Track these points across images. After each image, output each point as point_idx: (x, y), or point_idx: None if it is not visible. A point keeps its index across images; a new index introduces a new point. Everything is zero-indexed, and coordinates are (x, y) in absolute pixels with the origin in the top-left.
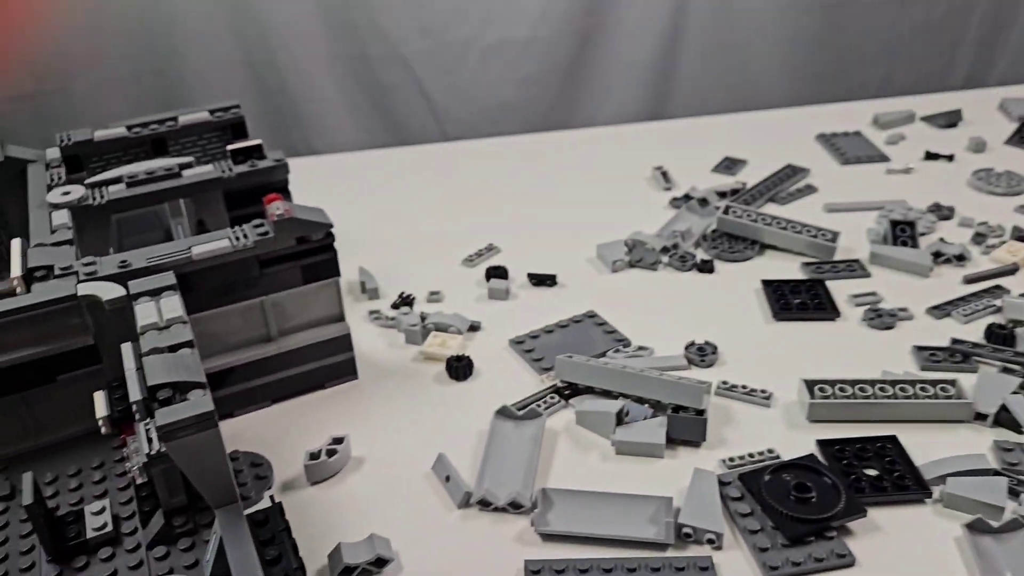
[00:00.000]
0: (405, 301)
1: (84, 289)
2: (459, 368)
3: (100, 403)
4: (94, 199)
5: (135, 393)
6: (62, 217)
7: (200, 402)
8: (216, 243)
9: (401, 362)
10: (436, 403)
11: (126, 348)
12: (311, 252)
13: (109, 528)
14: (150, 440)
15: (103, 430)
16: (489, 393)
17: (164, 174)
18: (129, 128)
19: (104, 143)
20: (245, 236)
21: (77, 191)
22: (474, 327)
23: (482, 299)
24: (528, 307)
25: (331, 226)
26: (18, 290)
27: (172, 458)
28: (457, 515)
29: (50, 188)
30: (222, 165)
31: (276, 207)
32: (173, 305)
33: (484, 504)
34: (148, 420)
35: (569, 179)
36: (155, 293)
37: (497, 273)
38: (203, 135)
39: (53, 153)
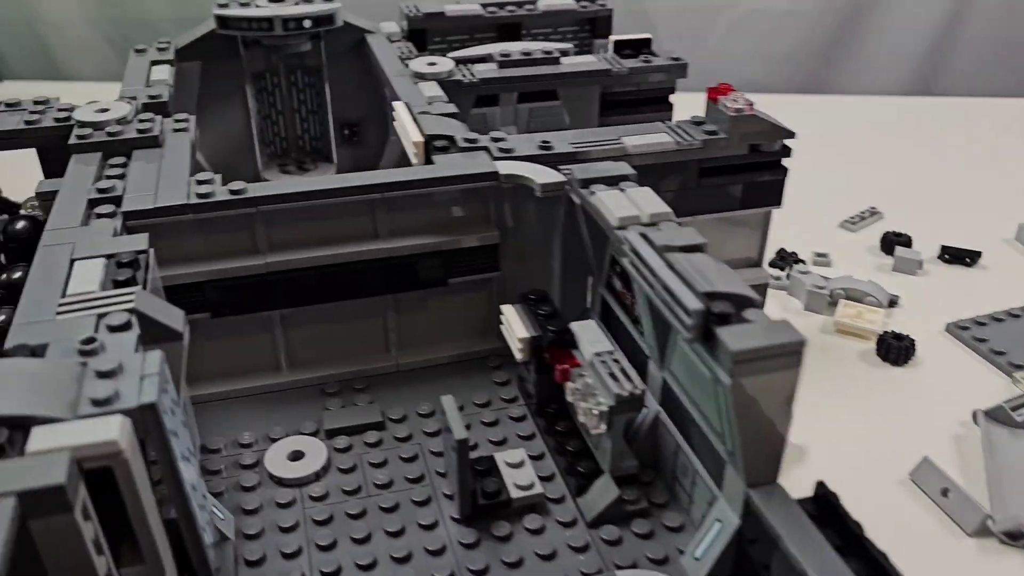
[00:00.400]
0: (789, 259)
1: (507, 168)
2: (899, 350)
3: (516, 320)
4: (464, 76)
5: (674, 301)
6: (433, 89)
7: (780, 328)
8: (655, 136)
9: (808, 332)
10: (872, 389)
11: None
12: (759, 167)
13: (537, 489)
14: (615, 377)
15: (519, 355)
16: (936, 385)
17: (543, 57)
18: (484, 7)
19: (455, 20)
20: (688, 133)
21: (444, 64)
22: (893, 302)
23: (882, 269)
24: (949, 286)
25: (793, 134)
26: (415, 159)
27: (736, 402)
28: (970, 545)
29: (403, 60)
30: (607, 57)
31: (732, 99)
32: (650, 198)
33: (1014, 536)
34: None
35: (953, 149)
36: (611, 182)
37: (900, 241)
38: (560, 26)
39: (389, 27)
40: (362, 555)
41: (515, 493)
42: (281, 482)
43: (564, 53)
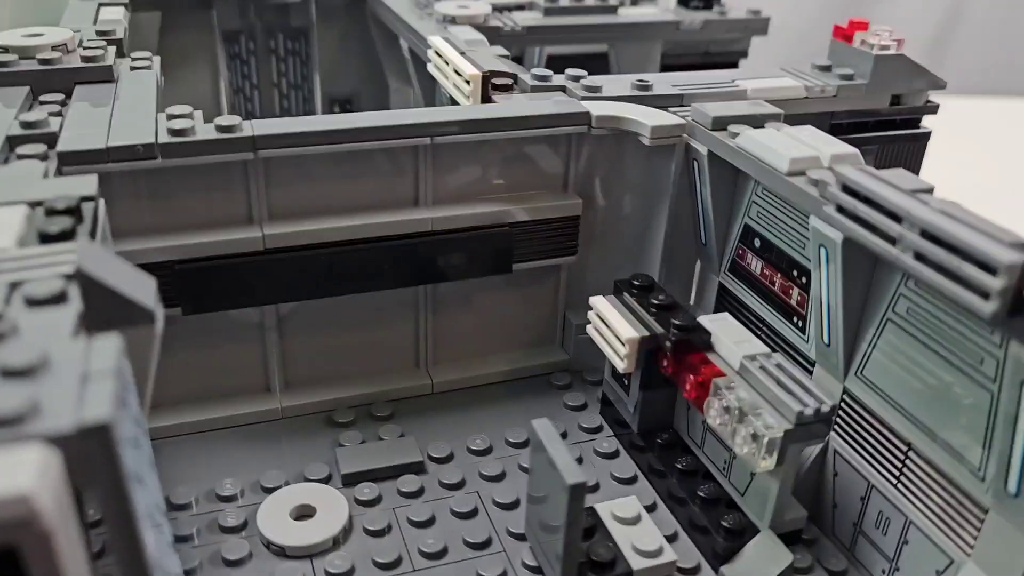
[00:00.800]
0: None
1: (601, 109)
2: None
3: (615, 315)
4: (504, 24)
5: (956, 255)
6: (469, 33)
7: None
8: (779, 81)
9: None
10: None
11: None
12: (898, 126)
13: (668, 556)
14: (788, 390)
15: (622, 364)
16: None
17: (597, 5)
18: None
19: None
20: (817, 79)
21: (480, 6)
22: None
23: None
24: None
25: (944, 84)
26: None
27: None
28: None
29: (422, 7)
30: (672, 9)
31: (875, 33)
32: (820, 137)
33: None
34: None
35: None
36: (755, 123)
37: None
38: None
39: None
40: None
41: (637, 562)
42: (283, 552)
43: (621, 2)
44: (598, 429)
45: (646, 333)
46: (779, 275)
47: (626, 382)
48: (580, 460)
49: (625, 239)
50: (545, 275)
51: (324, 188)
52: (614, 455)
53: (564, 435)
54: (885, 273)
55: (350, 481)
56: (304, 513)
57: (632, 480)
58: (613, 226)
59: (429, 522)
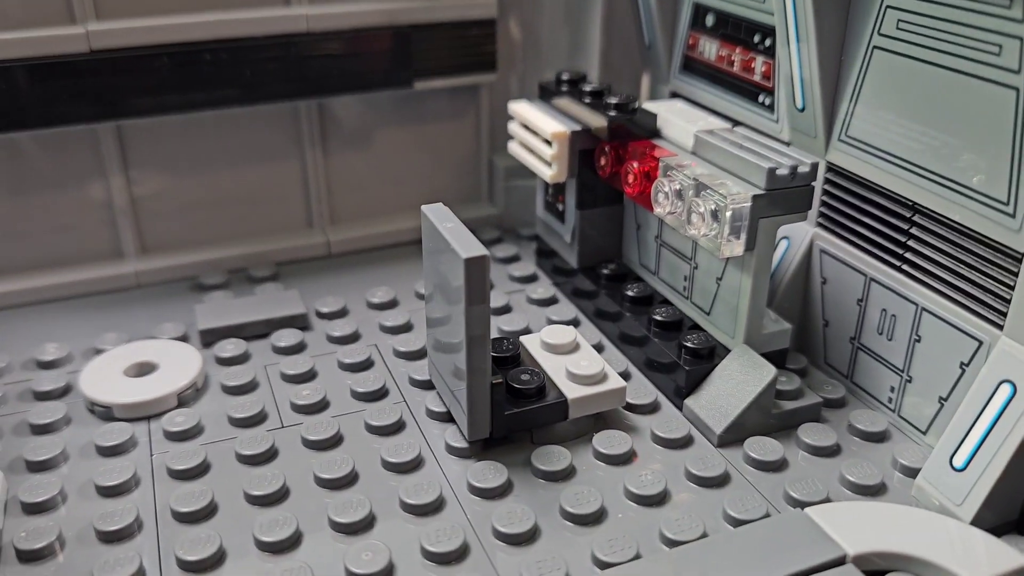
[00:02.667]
0: None
1: None
2: None
3: (537, 114)
4: None
5: None
6: None
7: None
8: None
9: None
10: None
11: None
12: None
13: (614, 383)
14: (755, 152)
15: (549, 173)
16: None
17: None
18: None
19: None
20: None
21: None
22: None
23: None
24: None
25: None
26: None
27: None
28: None
29: None
30: None
31: None
32: None
33: None
34: None
35: None
36: None
37: None
38: None
39: None
40: (274, 528)
41: (572, 390)
42: (110, 414)
43: None
44: (531, 278)
45: (576, 127)
46: (739, 49)
47: (560, 207)
48: (508, 308)
49: (554, 49)
50: (461, 106)
51: None
52: (551, 301)
53: (491, 287)
54: None
55: (209, 339)
56: (143, 372)
57: (573, 324)
58: (537, 33)
59: (307, 376)
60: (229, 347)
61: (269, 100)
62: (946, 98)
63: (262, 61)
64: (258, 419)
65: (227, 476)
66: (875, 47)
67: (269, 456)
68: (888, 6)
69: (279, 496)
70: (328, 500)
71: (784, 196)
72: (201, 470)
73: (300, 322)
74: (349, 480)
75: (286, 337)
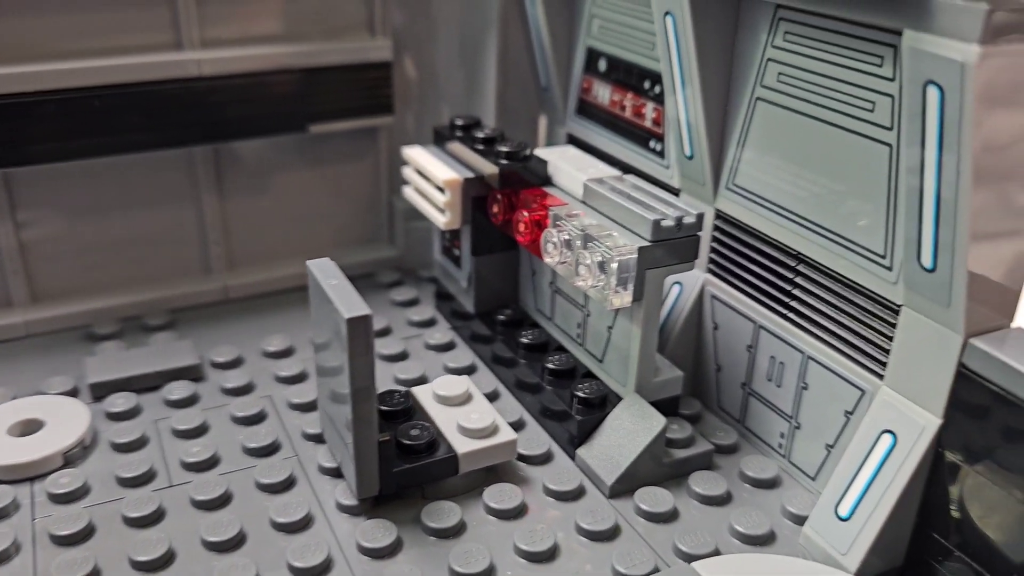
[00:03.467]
0: None
1: None
2: None
3: (431, 160)
4: None
5: None
6: None
7: None
8: None
9: None
10: None
11: None
12: None
13: (505, 435)
14: (642, 203)
15: (442, 219)
16: None
17: None
18: None
19: None
20: None
21: None
22: None
23: None
24: None
25: None
26: None
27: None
28: None
29: None
30: None
31: None
32: None
33: None
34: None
35: None
36: None
37: None
38: None
39: None
40: None
41: (463, 444)
42: None
43: None
44: (430, 322)
45: (469, 174)
46: (629, 95)
47: (457, 252)
48: (405, 355)
49: (450, 91)
50: (360, 148)
51: (54, 23)
52: (448, 347)
53: (387, 331)
54: (747, 32)
55: (99, 393)
56: (28, 430)
57: (470, 370)
58: (434, 75)
59: (198, 431)
60: (119, 401)
61: (162, 147)
62: (825, 151)
63: (155, 106)
64: (146, 478)
65: (111, 540)
66: (758, 98)
67: (155, 518)
68: (769, 59)
69: (163, 561)
70: (215, 563)
71: (670, 247)
72: (84, 535)
73: (193, 373)
74: (236, 542)
75: (178, 390)
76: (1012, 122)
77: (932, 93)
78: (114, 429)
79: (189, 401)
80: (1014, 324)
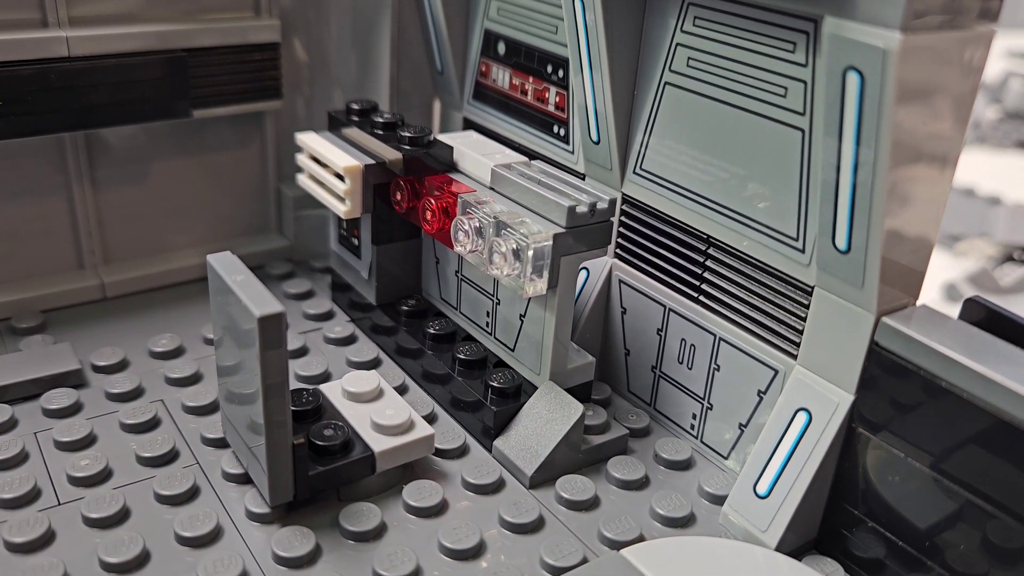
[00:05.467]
0: None
1: None
2: None
3: (328, 146)
4: None
5: None
6: None
7: None
8: None
9: None
10: None
11: None
12: None
13: (421, 431)
14: (554, 189)
15: (342, 208)
16: None
17: None
18: None
19: None
20: None
21: None
22: None
23: None
24: None
25: None
26: None
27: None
28: None
29: None
30: None
31: None
32: None
33: None
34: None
35: None
36: None
37: None
38: None
39: None
40: None
41: (379, 442)
42: None
43: None
44: (328, 315)
45: (370, 161)
46: (531, 79)
47: (356, 241)
48: (305, 351)
49: (342, 75)
50: (245, 134)
51: None
52: (349, 340)
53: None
54: (656, 18)
55: None
56: None
57: (374, 364)
58: (325, 58)
59: (85, 442)
60: None
61: (28, 134)
62: (736, 136)
63: (19, 90)
64: (30, 497)
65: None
66: (667, 83)
67: (45, 541)
68: (679, 44)
69: None
70: None
71: (584, 233)
72: None
73: (74, 379)
74: (139, 562)
75: (58, 398)
76: (927, 108)
77: (852, 79)
78: None
79: (72, 410)
80: (918, 302)
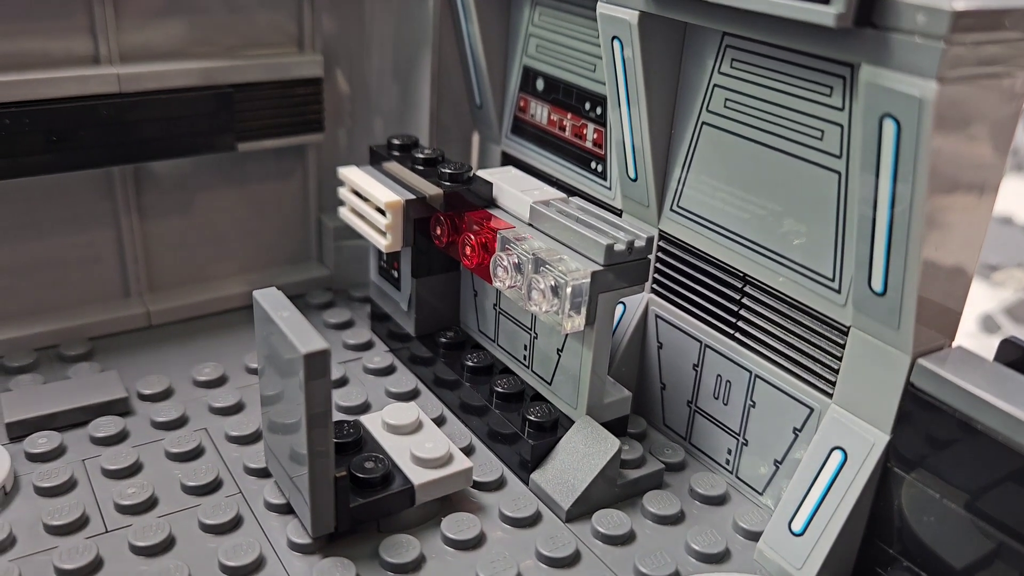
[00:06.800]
0: None
1: None
2: None
3: (370, 182)
4: None
5: None
6: None
7: None
8: None
9: None
10: None
11: None
12: None
13: (460, 464)
14: (592, 227)
15: (384, 242)
16: None
17: None
18: None
19: None
20: None
21: None
22: None
23: None
24: None
25: None
26: None
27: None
28: None
29: None
30: None
31: None
32: None
33: None
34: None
35: None
36: None
37: None
38: None
39: None
40: None
41: (418, 475)
42: None
43: None
44: (367, 345)
45: (411, 196)
46: (569, 115)
47: (396, 273)
48: (345, 381)
49: (383, 108)
50: (287, 166)
51: None
52: (388, 371)
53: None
54: (694, 59)
55: (18, 432)
56: None
57: (413, 395)
58: (366, 91)
59: (131, 470)
60: (41, 441)
61: (78, 168)
62: (772, 176)
63: (70, 125)
64: (78, 524)
65: None
66: (704, 123)
67: (93, 568)
68: (716, 85)
69: None
70: None
71: (622, 270)
72: None
73: (120, 407)
74: None
75: (105, 425)
76: (962, 151)
77: (888, 126)
78: (38, 472)
79: (118, 438)
80: (954, 343)
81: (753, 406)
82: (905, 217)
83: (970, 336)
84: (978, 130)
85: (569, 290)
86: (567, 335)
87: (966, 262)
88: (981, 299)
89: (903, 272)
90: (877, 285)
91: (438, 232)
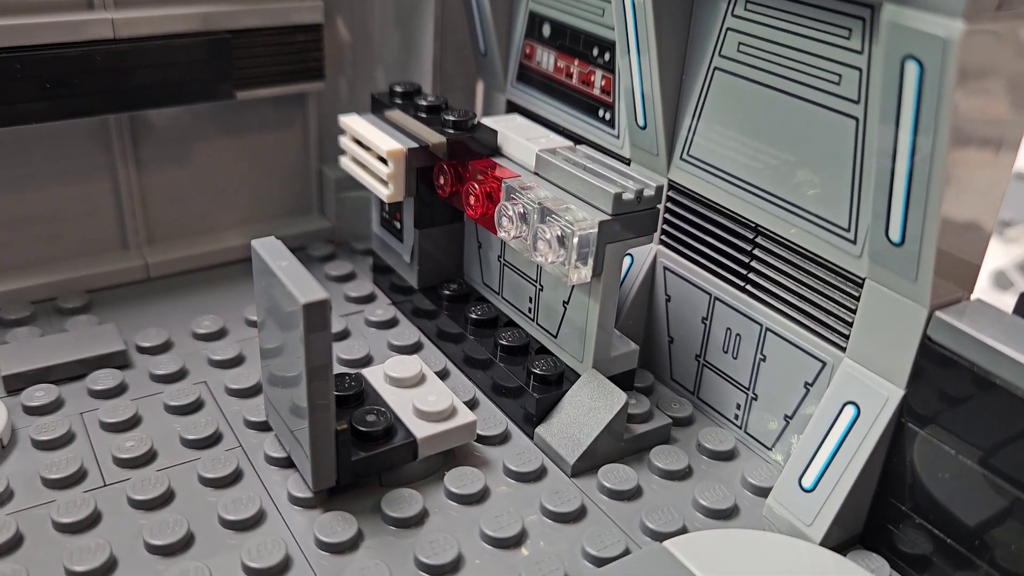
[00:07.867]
0: None
1: None
2: None
3: (372, 130)
4: None
5: None
6: None
7: None
8: None
9: None
10: None
11: None
12: None
13: (463, 417)
14: (600, 175)
15: (386, 192)
16: None
17: None
18: None
19: None
20: None
21: None
22: None
23: None
24: None
25: None
26: None
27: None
28: None
29: None
30: None
31: None
32: None
33: None
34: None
35: None
36: None
37: None
38: None
39: None
40: None
41: (421, 428)
42: None
43: None
44: (369, 298)
45: (413, 144)
46: (576, 62)
47: (398, 224)
48: (347, 334)
49: (385, 56)
50: (287, 115)
51: None
52: (391, 324)
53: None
54: (706, 1)
55: (15, 385)
56: None
57: (415, 348)
58: (368, 38)
59: (130, 423)
60: (39, 394)
61: (73, 116)
62: (787, 123)
63: (64, 72)
64: (76, 478)
65: (43, 549)
66: (716, 68)
67: (91, 522)
68: (729, 28)
69: (105, 569)
70: (162, 568)
71: (630, 220)
72: (12, 544)
73: (118, 360)
74: (183, 544)
75: (103, 379)
76: (986, 100)
77: (911, 68)
78: (35, 425)
79: (117, 391)
80: (973, 296)
81: (763, 360)
82: (926, 165)
83: (982, 292)
84: (1003, 72)
85: (576, 240)
86: (573, 287)
87: (986, 211)
88: (994, 255)
89: (922, 222)
90: (895, 235)
91: (441, 182)
